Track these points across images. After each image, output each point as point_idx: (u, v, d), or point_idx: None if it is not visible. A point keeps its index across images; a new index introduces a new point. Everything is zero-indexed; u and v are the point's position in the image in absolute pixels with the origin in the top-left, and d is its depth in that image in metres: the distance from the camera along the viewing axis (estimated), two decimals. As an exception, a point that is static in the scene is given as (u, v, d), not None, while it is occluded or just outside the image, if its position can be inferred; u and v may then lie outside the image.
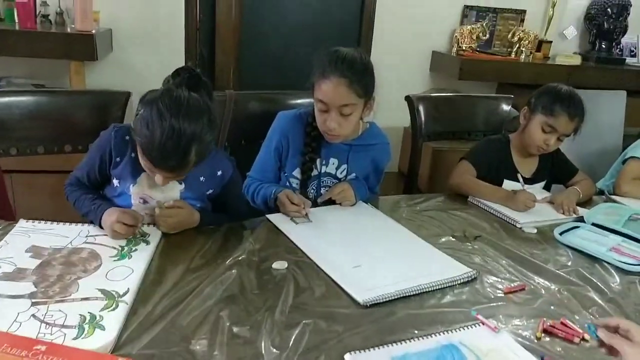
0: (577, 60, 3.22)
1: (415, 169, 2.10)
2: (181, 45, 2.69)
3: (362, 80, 1.37)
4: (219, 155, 1.33)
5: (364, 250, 1.24)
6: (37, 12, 2.34)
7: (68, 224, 1.23)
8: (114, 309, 0.93)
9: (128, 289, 0.99)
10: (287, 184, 1.53)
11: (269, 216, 1.38)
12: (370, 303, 1.03)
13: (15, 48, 2.13)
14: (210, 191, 1.34)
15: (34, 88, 2.13)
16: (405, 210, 1.55)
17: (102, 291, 0.98)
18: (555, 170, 1.85)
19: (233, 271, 1.10)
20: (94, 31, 2.25)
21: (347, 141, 1.51)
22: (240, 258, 1.16)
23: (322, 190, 1.54)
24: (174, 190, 1.28)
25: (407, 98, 2.05)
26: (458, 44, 3.09)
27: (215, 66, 2.83)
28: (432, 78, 3.27)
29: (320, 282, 1.10)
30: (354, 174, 1.56)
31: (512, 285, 1.16)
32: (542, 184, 1.85)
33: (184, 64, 2.71)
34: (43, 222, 1.22)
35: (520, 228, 1.50)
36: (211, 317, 0.95)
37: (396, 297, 1.06)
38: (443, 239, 1.37)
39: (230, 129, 1.73)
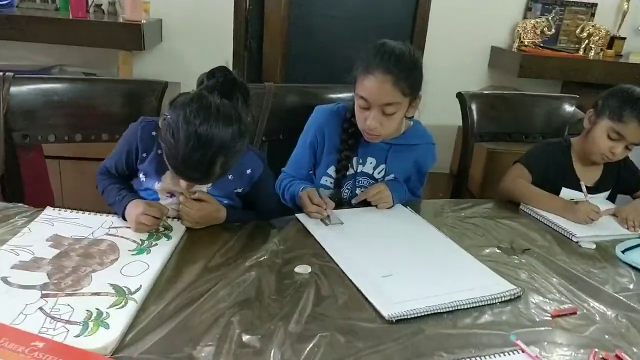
0: (654, 59, 2.94)
1: (465, 170, 1.97)
2: (229, 36, 2.67)
3: (409, 77, 1.27)
4: (249, 152, 1.26)
5: (397, 258, 1.15)
6: (90, 2, 2.38)
7: (93, 213, 1.21)
8: (122, 307, 0.89)
9: (140, 285, 0.95)
10: (321, 182, 1.46)
11: (298, 215, 1.31)
12: (397, 318, 0.93)
13: (66, 36, 2.17)
14: (239, 190, 1.28)
15: (84, 76, 2.15)
16: (448, 216, 1.44)
17: (114, 287, 0.94)
18: (621, 180, 1.67)
19: (252, 273, 1.04)
20: (143, 21, 2.26)
21: (387, 140, 1.41)
22: (262, 259, 1.10)
23: (358, 191, 1.45)
24: (201, 187, 1.23)
25: (459, 95, 1.91)
26: (520, 39, 2.89)
27: (263, 58, 2.79)
28: (491, 75, 3.08)
29: (345, 290, 1.02)
30: (392, 175, 1.46)
31: (562, 307, 1.03)
32: (606, 194, 1.67)
33: (232, 56, 2.72)
34: (69, 210, 1.21)
35: (577, 242, 1.35)
36: (222, 322, 0.89)
37: (426, 313, 0.96)
38: (487, 250, 1.25)
39: (269, 122, 1.67)
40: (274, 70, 2.79)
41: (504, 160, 2.58)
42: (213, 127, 1.03)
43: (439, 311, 0.97)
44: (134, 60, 2.46)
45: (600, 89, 1.69)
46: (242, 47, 2.68)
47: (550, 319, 1.00)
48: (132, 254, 1.06)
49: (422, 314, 0.95)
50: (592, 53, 2.95)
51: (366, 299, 0.99)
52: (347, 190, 1.46)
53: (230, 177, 1.23)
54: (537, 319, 0.99)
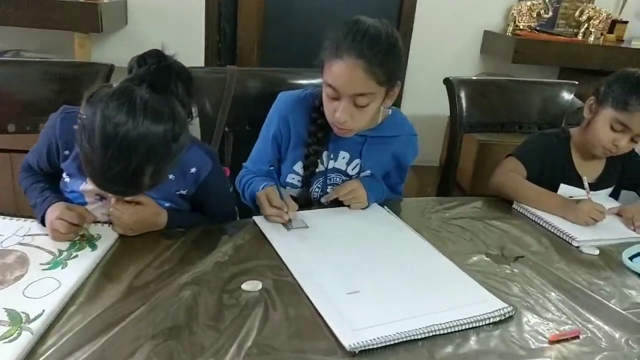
0: (657, 45, 2.76)
1: (453, 162, 1.79)
2: (201, 19, 2.47)
3: (385, 62, 1.08)
4: (194, 147, 1.05)
5: (367, 270, 0.97)
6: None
7: (9, 217, 1.02)
8: (11, 340, 0.71)
9: (43, 311, 0.77)
10: (287, 180, 1.27)
11: (256, 218, 1.13)
12: (361, 349, 0.76)
13: (17, 17, 1.97)
14: (183, 191, 1.09)
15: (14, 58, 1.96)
16: (431, 217, 1.26)
17: (9, 312, 0.76)
18: (626, 176, 1.49)
19: (187, 292, 0.86)
20: (104, 0, 2.06)
21: (362, 132, 1.23)
22: (203, 273, 0.92)
23: (329, 190, 1.27)
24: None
25: (446, 81, 1.73)
26: (514, 23, 2.70)
27: (237, 44, 2.59)
28: (483, 61, 2.90)
29: (300, 312, 0.84)
30: (368, 171, 1.28)
31: (562, 330, 0.86)
32: (609, 190, 1.50)
33: (204, 40, 2.53)
34: (-20, 214, 1.02)
35: (578, 247, 1.17)
36: (139, 357, 0.71)
37: (398, 340, 0.78)
38: (474, 258, 1.07)
39: (233, 111, 1.49)
40: (249, 56, 2.59)
41: (496, 153, 2.40)
42: (138, 129, 0.83)
43: (413, 338, 0.79)
44: (96, 45, 2.26)
45: (601, 77, 1.50)
46: (214, 31, 2.48)
47: (548, 345, 0.82)
48: (44, 269, 0.87)
49: (393, 342, 0.78)
50: (592, 38, 2.76)
51: (326, 323, 0.81)
52: (317, 189, 1.28)
53: (171, 177, 1.03)
54: (533, 346, 0.82)
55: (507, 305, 0.89)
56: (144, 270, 0.91)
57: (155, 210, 1.02)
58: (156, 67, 0.91)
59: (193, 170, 1.07)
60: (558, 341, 0.83)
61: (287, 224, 1.10)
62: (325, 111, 1.16)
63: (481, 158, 2.47)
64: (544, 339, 0.84)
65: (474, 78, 2.18)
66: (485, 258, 1.08)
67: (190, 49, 2.42)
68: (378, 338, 0.77)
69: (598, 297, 0.97)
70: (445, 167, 1.83)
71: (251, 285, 0.89)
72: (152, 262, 0.93)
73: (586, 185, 1.35)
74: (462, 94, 1.72)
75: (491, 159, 2.39)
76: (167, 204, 1.06)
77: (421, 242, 1.09)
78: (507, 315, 0.87)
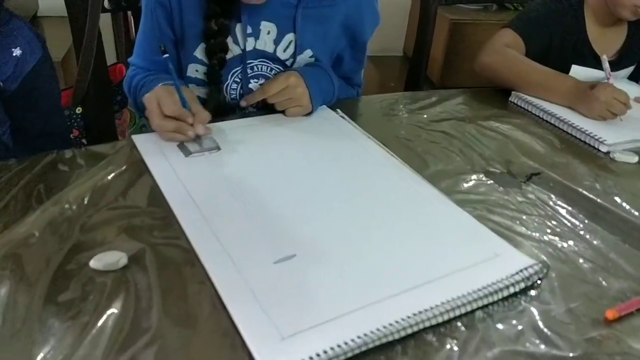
0: None
1: (424, 48, 1.39)
2: None
3: None
4: (19, 23, 0.73)
5: (309, 217, 0.60)
6: None
7: None
8: None
9: None
10: (188, 73, 0.85)
11: (135, 137, 0.73)
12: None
13: None
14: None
15: None
16: (402, 122, 0.89)
17: None
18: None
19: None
20: None
21: (290, -12, 0.80)
22: (23, 240, 0.53)
23: (253, 86, 0.86)
24: None
25: None
26: None
27: None
28: None
29: (191, 308, 0.48)
30: (310, 53, 0.86)
31: (622, 304, 0.53)
32: (629, 71, 1.15)
33: None
34: None
35: (608, 154, 0.84)
36: None
37: (353, 352, 0.44)
38: (470, 181, 0.72)
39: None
40: None
41: (473, 35, 2.01)
42: None
43: (381, 342, 0.45)
44: None
45: None
46: None
47: (603, 325, 0.50)
48: None
49: (346, 355, 0.44)
50: None
51: (234, 325, 0.46)
52: (234, 87, 0.86)
53: None
54: (580, 333, 0.49)
55: (533, 260, 0.56)
56: None
57: None
58: None
59: (17, 52, 0.71)
60: (619, 318, 0.51)
61: (188, 145, 0.71)
62: None
63: (453, 43, 2.07)
64: (597, 315, 0.51)
65: None
66: (485, 179, 0.73)
67: None
68: (326, 353, 0.43)
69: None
70: (415, 53, 1.42)
71: (108, 259, 0.51)
72: None
73: (606, 65, 0.99)
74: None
75: (466, 44, 2.00)
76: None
77: (392, 162, 0.73)
78: (535, 279, 0.54)
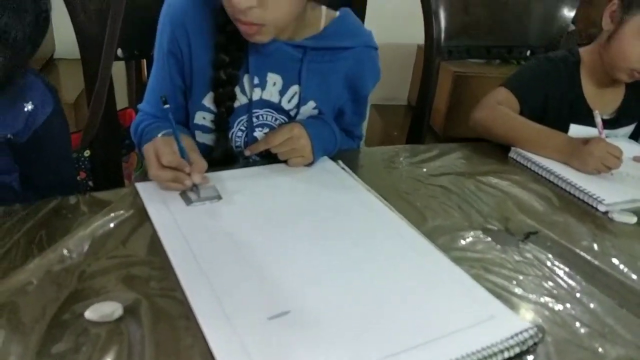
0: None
1: (428, 99, 1.42)
2: None
3: None
4: (31, 78, 0.72)
5: (305, 273, 0.61)
6: None
7: None
8: None
9: None
10: (196, 121, 0.88)
11: (138, 185, 0.74)
12: None
13: None
14: (10, 135, 0.72)
15: None
16: (403, 175, 0.90)
17: None
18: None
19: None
20: None
21: (298, 40, 0.83)
22: (21, 288, 0.53)
23: (257, 134, 0.88)
24: None
25: (421, -8, 1.33)
26: None
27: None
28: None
29: (187, 358, 0.48)
30: (314, 105, 0.89)
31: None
32: (629, 129, 1.17)
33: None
34: None
35: (606, 214, 0.84)
36: None
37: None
38: (467, 238, 0.73)
39: (126, 26, 1.05)
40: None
41: (475, 87, 2.05)
42: None
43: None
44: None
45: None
46: None
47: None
48: None
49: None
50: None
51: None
52: (239, 134, 0.89)
53: None
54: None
55: (529, 323, 0.55)
56: None
57: None
58: None
59: (29, 106, 0.71)
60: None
61: (189, 194, 0.72)
62: (224, 3, 0.74)
63: (456, 95, 2.11)
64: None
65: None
66: (483, 236, 0.74)
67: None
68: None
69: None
70: (418, 104, 1.46)
71: (101, 312, 0.51)
72: None
73: (598, 120, 1.01)
74: (441, 10, 1.34)
75: (469, 96, 2.04)
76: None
77: (390, 217, 0.73)
78: (530, 343, 0.53)
